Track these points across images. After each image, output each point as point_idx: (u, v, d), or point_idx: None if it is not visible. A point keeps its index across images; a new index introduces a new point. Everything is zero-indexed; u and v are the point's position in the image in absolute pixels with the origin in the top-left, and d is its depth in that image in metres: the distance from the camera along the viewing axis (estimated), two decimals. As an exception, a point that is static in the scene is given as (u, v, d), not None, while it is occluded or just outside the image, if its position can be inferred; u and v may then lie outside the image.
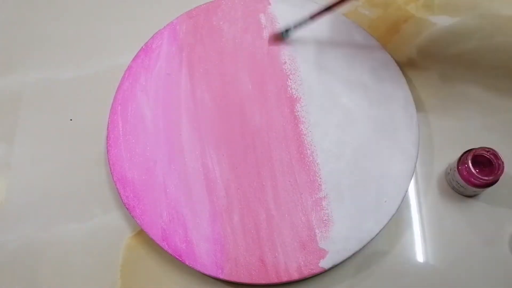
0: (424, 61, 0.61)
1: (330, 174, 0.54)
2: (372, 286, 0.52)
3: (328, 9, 0.53)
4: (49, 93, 0.62)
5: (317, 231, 0.52)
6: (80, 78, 0.62)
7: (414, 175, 0.55)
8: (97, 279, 0.54)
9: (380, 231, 0.51)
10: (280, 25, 0.60)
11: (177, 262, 0.52)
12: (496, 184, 0.50)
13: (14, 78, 0.62)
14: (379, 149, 0.54)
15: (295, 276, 0.50)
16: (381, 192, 0.53)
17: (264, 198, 0.53)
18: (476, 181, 0.50)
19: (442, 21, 0.62)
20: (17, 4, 0.67)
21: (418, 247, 0.54)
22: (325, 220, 0.52)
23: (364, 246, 0.51)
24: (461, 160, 0.51)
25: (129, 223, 0.55)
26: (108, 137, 0.56)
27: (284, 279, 0.50)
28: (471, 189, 0.52)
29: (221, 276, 0.50)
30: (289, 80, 0.58)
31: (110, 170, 0.54)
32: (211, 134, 0.56)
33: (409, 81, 0.58)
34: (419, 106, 0.58)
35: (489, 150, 0.50)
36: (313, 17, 0.55)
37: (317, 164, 0.54)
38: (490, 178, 0.49)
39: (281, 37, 0.58)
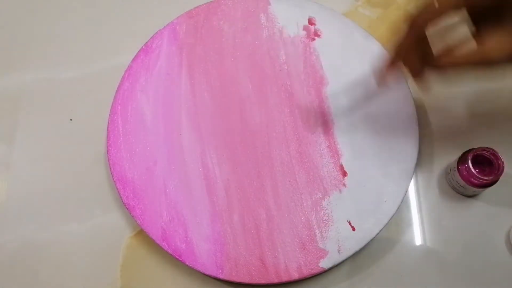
0: (424, 61, 0.61)
1: (330, 174, 0.54)
2: (372, 286, 0.52)
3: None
4: (49, 93, 0.61)
5: (317, 231, 0.52)
6: (80, 78, 0.62)
7: (414, 175, 0.55)
8: (97, 279, 0.54)
9: (380, 231, 0.51)
10: (280, 25, 0.60)
11: (177, 262, 0.52)
12: (496, 184, 0.50)
13: (14, 78, 0.62)
14: (379, 149, 0.54)
15: (295, 276, 0.50)
16: (381, 192, 0.53)
17: (264, 198, 0.53)
18: (476, 181, 0.50)
19: (442, 21, 0.62)
20: (17, 4, 0.67)
21: (418, 247, 0.54)
22: (325, 220, 0.52)
23: (364, 246, 0.51)
24: (461, 160, 0.51)
25: (129, 223, 0.55)
26: (108, 137, 0.56)
27: (284, 279, 0.50)
28: (471, 189, 0.52)
29: (221, 276, 0.50)
30: (289, 80, 0.58)
31: (110, 170, 0.54)
32: (211, 134, 0.56)
33: (409, 81, 0.58)
34: (419, 106, 0.58)
35: (489, 150, 0.50)
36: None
37: (317, 164, 0.54)
38: (490, 178, 0.49)
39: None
